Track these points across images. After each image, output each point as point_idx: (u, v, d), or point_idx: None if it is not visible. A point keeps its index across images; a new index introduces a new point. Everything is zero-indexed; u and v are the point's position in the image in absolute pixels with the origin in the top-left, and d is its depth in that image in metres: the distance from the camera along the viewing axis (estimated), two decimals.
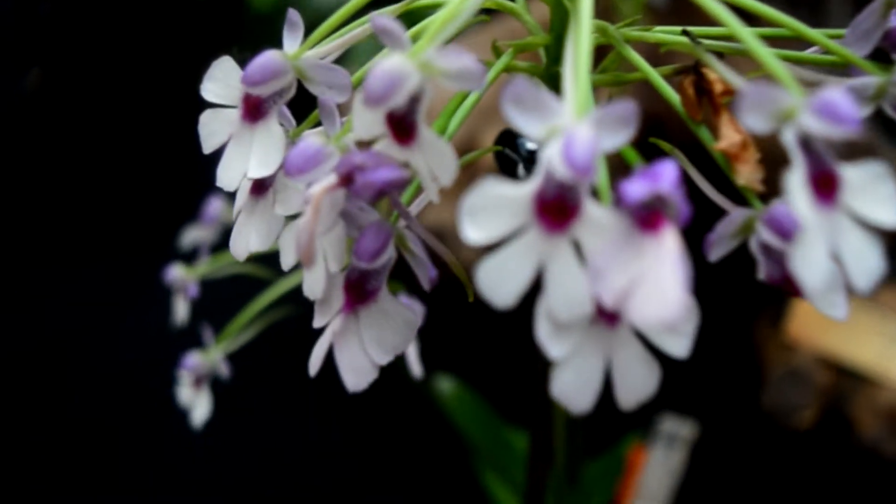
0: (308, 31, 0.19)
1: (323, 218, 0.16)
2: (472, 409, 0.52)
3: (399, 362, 0.35)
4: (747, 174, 0.18)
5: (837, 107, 0.15)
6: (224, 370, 0.39)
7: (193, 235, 0.43)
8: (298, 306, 0.41)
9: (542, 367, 0.31)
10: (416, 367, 0.31)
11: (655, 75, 0.20)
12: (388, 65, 0.15)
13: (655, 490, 0.58)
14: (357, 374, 0.18)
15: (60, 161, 0.93)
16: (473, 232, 0.15)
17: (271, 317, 0.41)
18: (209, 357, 0.39)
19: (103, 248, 0.82)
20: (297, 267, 0.19)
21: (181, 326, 0.42)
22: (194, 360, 0.39)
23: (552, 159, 0.15)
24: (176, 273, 0.41)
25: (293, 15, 0.19)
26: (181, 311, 0.41)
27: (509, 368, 0.59)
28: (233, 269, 0.41)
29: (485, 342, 0.66)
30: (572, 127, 0.15)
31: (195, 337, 0.41)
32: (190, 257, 0.43)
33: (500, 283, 0.15)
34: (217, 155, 0.20)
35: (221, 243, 0.43)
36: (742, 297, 0.69)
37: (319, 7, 0.89)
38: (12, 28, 1.07)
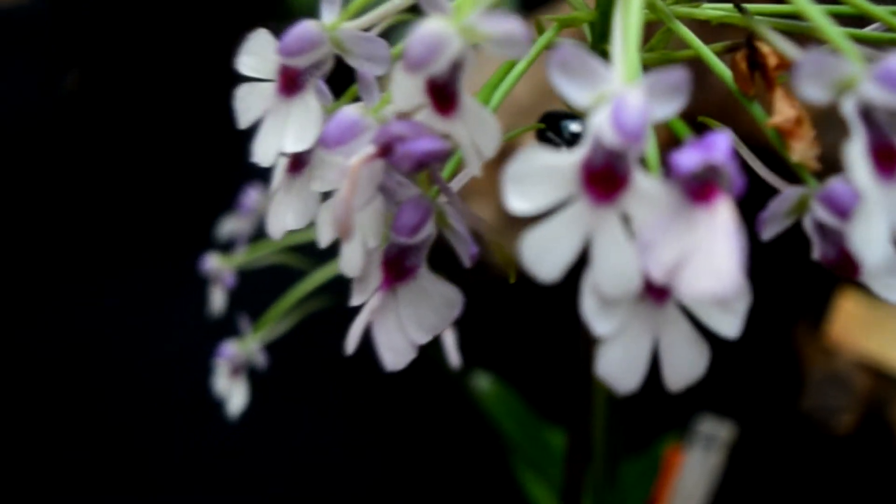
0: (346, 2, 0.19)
1: (361, 190, 0.16)
2: (510, 406, 0.52)
3: (436, 356, 0.35)
4: (802, 151, 0.17)
5: None
6: (260, 360, 0.39)
7: (230, 226, 0.43)
8: (335, 297, 0.41)
9: (582, 361, 0.30)
10: (454, 357, 0.31)
11: (707, 51, 0.19)
12: (429, 28, 0.15)
13: (692, 492, 0.57)
14: (395, 354, 0.17)
15: (99, 158, 0.94)
16: (518, 202, 0.14)
17: (308, 307, 0.40)
18: (246, 347, 0.39)
19: (139, 244, 0.83)
20: (333, 253, 0.19)
21: (217, 317, 0.42)
22: (231, 350, 0.39)
23: (601, 126, 0.14)
24: (212, 263, 0.41)
25: None
26: (217, 300, 0.41)
27: (548, 366, 0.59)
28: (270, 259, 0.41)
29: (523, 339, 0.66)
30: (622, 92, 0.14)
31: (231, 328, 0.41)
32: (226, 248, 0.43)
33: (545, 256, 0.14)
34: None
35: (258, 234, 0.43)
36: (783, 300, 0.68)
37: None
38: (50, 30, 1.09)
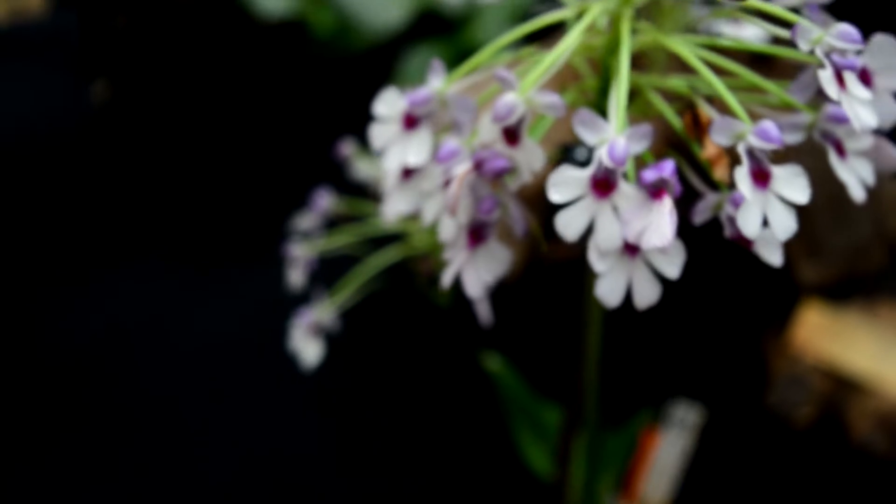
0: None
1: (463, 188, 0.28)
2: (514, 383, 0.61)
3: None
4: (721, 173, 0.29)
5: (769, 132, 0.26)
6: (333, 325, 0.50)
7: (306, 222, 0.54)
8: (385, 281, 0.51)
9: (576, 346, 0.41)
10: (485, 317, 0.41)
11: (668, 111, 0.31)
12: (507, 99, 0.27)
13: (666, 469, 0.65)
14: (474, 286, 0.29)
15: (130, 165, 0.99)
16: (556, 196, 0.26)
17: (365, 289, 0.52)
18: (320, 313, 0.50)
19: (166, 252, 0.89)
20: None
21: (297, 291, 0.53)
22: (308, 315, 0.50)
23: (602, 156, 0.26)
24: (295, 249, 0.52)
25: (436, 63, 0.31)
26: (297, 278, 0.52)
27: (549, 351, 0.68)
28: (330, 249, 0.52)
29: (529, 329, 0.74)
30: (614, 138, 0.26)
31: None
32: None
33: (569, 225, 0.26)
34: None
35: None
36: (754, 311, 0.77)
37: (377, 31, 0.99)
38: (79, 41, 1.15)
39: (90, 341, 0.78)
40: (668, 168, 0.26)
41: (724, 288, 0.77)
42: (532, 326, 0.74)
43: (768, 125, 0.26)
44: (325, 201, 0.53)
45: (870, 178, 0.30)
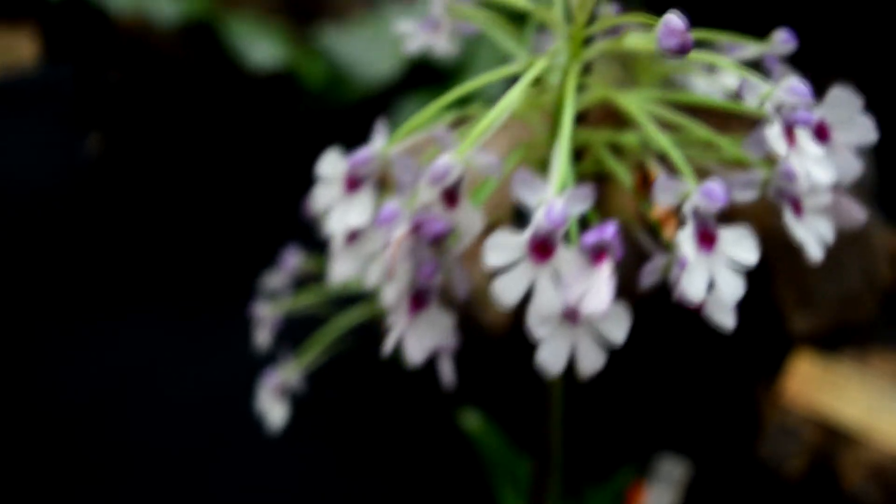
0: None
1: (400, 252, 0.27)
2: (493, 438, 0.61)
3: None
4: (670, 233, 0.28)
5: (714, 192, 0.25)
6: (298, 386, 0.49)
7: (274, 281, 0.54)
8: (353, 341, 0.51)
9: (543, 401, 0.40)
10: (448, 380, 0.40)
11: (619, 168, 0.30)
12: (444, 160, 0.26)
13: None
14: (416, 354, 0.28)
15: (125, 218, 0.99)
16: (491, 259, 0.25)
17: (331, 350, 0.51)
18: (287, 374, 0.49)
19: (158, 302, 0.88)
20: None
21: (261, 353, 0.52)
22: (274, 376, 0.49)
23: (539, 218, 0.25)
24: (261, 309, 0.51)
25: (381, 123, 0.30)
26: (264, 338, 0.51)
27: (523, 406, 0.67)
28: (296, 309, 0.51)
29: (504, 383, 0.72)
30: (552, 199, 0.25)
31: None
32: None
33: (506, 291, 0.25)
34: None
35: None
36: (747, 363, 0.76)
37: (369, 82, 0.99)
38: (74, 94, 1.15)
39: (83, 390, 0.78)
40: (608, 231, 0.25)
41: (714, 339, 0.76)
42: (514, 380, 0.72)
43: (713, 185, 0.25)
44: (294, 259, 0.53)
45: (829, 235, 0.29)
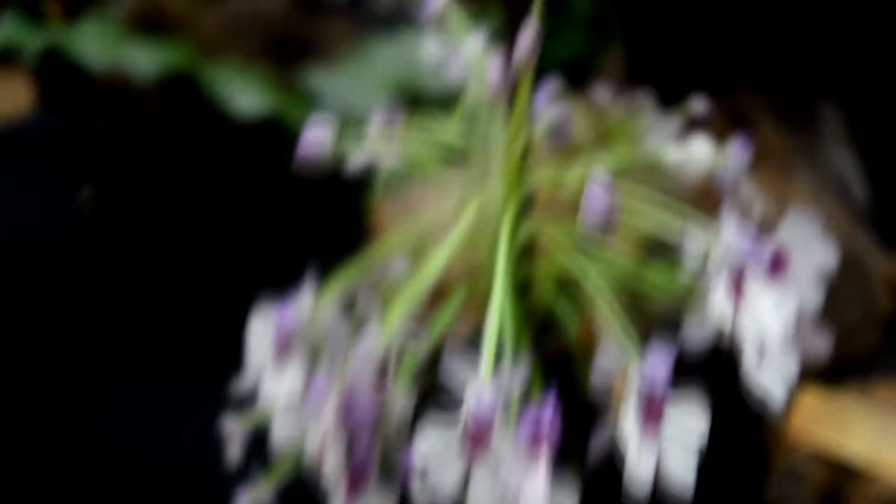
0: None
1: (332, 426, 0.25)
2: None
3: None
4: (616, 399, 0.26)
5: (656, 371, 0.24)
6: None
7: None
8: None
9: None
10: None
11: (566, 312, 0.28)
12: (367, 345, 0.24)
13: None
14: None
15: (116, 274, 0.98)
16: (423, 447, 0.23)
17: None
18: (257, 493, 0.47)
19: (150, 369, 0.86)
20: None
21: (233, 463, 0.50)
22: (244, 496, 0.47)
23: (469, 408, 0.23)
24: (230, 423, 0.49)
25: (310, 277, 0.28)
26: (234, 451, 0.50)
27: None
28: None
29: None
30: (480, 389, 0.24)
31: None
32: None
33: (442, 482, 0.24)
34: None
35: None
36: (750, 405, 0.74)
37: (350, 108, 0.98)
38: (64, 145, 1.13)
39: (79, 452, 0.76)
40: (545, 419, 0.23)
41: (717, 383, 0.75)
42: None
43: (656, 361, 0.24)
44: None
45: (793, 374, 0.28)
